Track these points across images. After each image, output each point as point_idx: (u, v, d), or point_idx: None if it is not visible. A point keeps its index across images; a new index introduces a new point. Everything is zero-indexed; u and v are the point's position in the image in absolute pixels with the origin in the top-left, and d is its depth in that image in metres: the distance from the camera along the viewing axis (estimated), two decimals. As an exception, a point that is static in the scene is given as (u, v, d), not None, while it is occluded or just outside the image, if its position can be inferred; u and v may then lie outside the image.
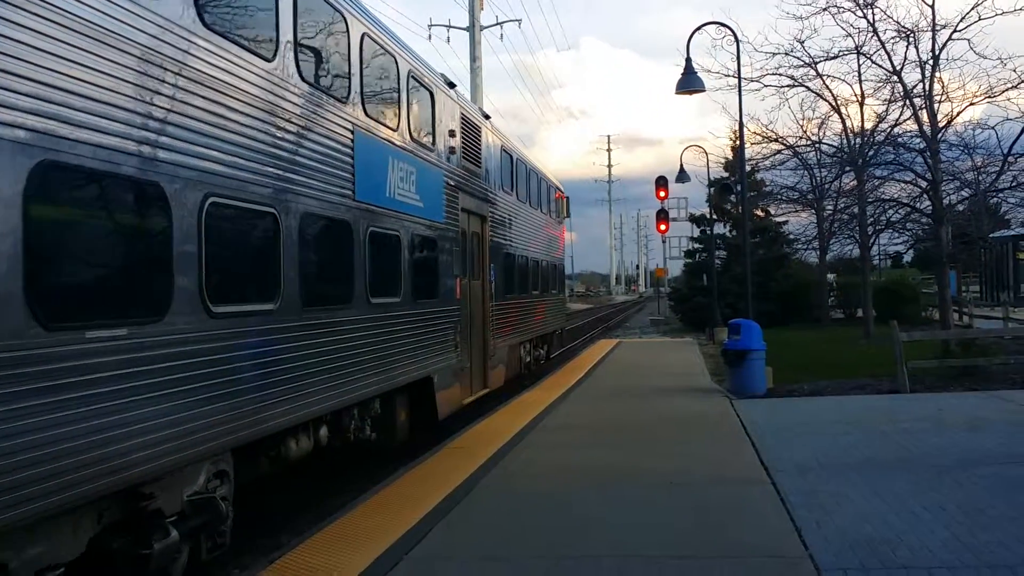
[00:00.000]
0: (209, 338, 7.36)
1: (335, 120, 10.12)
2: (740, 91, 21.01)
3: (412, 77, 12.93)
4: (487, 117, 18.93)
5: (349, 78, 10.62)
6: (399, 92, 12.51)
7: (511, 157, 20.57)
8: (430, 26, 44.88)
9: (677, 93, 20.10)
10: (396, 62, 12.37)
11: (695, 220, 46.99)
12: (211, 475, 7.84)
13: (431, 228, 13.54)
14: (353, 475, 11.74)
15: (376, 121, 11.39)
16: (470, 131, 16.37)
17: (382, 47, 11.84)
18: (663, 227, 41.19)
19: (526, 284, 21.80)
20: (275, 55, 8.71)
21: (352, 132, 10.50)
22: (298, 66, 9.13)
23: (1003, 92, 23.14)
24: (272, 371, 8.44)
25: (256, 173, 8.25)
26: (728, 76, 25.37)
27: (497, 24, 46.22)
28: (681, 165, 38.48)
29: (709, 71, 25.57)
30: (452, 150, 14.80)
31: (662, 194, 38.68)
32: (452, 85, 15.50)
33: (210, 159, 7.47)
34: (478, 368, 16.66)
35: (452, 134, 14.86)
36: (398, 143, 12.25)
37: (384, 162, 11.69)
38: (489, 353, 17.27)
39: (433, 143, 13.92)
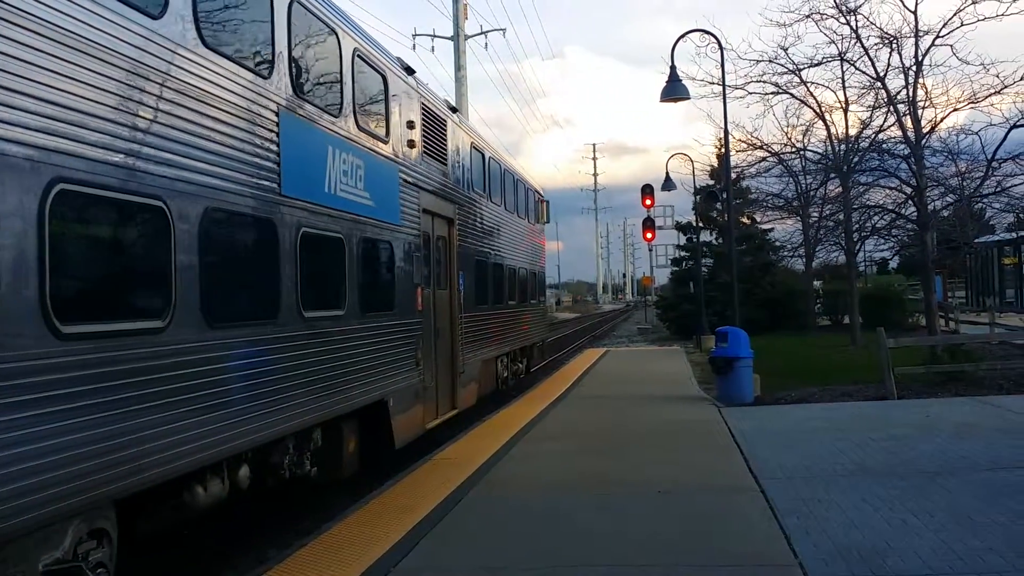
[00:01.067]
0: (58, 366, 5.79)
1: (252, 98, 8.52)
2: (725, 98, 21.04)
3: (359, 57, 11.38)
4: (454, 111, 17.19)
5: (273, 50, 9.01)
6: (342, 73, 10.87)
7: (483, 156, 19.11)
8: (414, 36, 44.89)
9: (662, 101, 20.11)
10: (338, 38, 10.73)
11: (681, 228, 47.11)
12: (82, 536, 6.41)
13: (384, 230, 12.04)
14: (338, 490, 11.68)
15: (312, 104, 9.87)
16: (433, 124, 14.85)
17: (320, 19, 10.28)
18: (649, 235, 41.25)
19: (502, 293, 20.26)
20: (165, 8, 7.18)
21: (277, 114, 8.93)
22: (199, 28, 7.64)
23: (986, 98, 23.29)
24: (162, 403, 6.87)
25: (132, 154, 6.63)
26: (712, 84, 25.46)
27: (482, 33, 46.30)
28: (667, 173, 38.57)
29: (694, 79, 25.60)
30: (411, 143, 13.26)
31: (648, 202, 38.75)
32: (411, 71, 13.88)
33: (57, 132, 5.87)
34: (445, 387, 15.18)
35: (411, 125, 13.34)
36: (341, 132, 10.68)
37: (322, 152, 10.13)
38: (458, 370, 15.75)
39: (387, 134, 12.34)
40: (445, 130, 15.62)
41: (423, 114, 14.14)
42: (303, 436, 9.83)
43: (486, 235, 18.90)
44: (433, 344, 14.27)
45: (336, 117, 10.57)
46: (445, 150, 15.56)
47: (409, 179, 13.17)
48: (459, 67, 42.40)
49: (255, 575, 7.39)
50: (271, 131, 8.85)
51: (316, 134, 10.02)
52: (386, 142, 12.29)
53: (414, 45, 45.15)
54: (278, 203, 8.90)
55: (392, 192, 12.48)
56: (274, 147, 8.90)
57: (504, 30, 79.83)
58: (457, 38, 42.46)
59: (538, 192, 26.98)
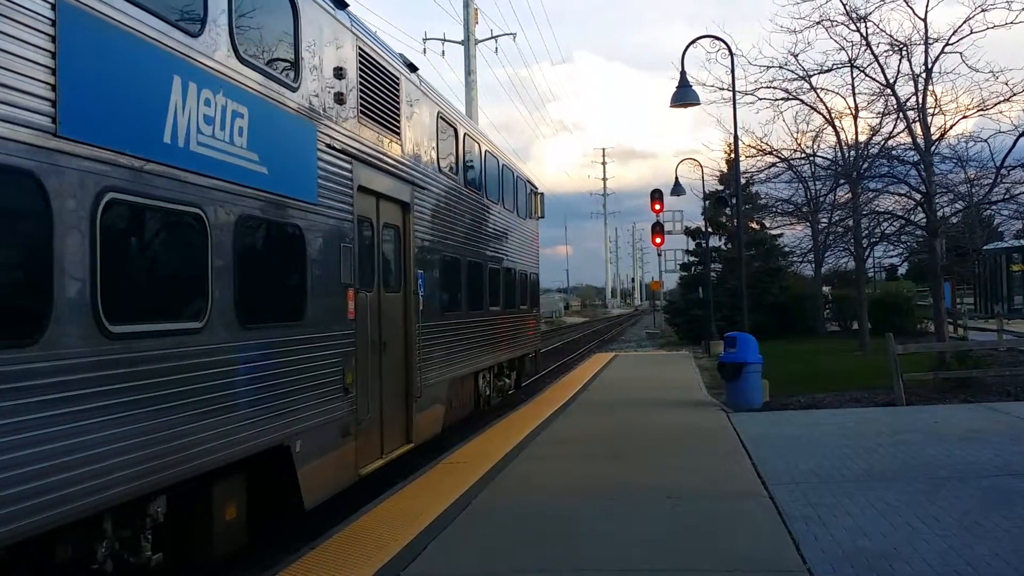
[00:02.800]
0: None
1: None
2: (735, 104, 21.10)
3: None
4: (413, 69, 13.61)
5: None
6: None
7: (455, 131, 15.99)
8: (425, 40, 44.98)
9: (672, 106, 20.15)
10: None
11: (690, 233, 47.13)
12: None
13: (289, 210, 8.86)
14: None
15: (137, 6, 6.75)
16: (378, 79, 11.67)
17: None
18: (659, 240, 41.27)
19: (480, 298, 17.48)
20: None
21: (53, 5, 5.90)
22: None
23: (995, 105, 23.21)
24: None
25: None
26: (722, 89, 25.45)
27: (492, 38, 46.30)
28: (676, 178, 38.58)
29: (703, 84, 25.59)
30: (339, 98, 10.22)
31: (657, 207, 38.77)
32: (343, 5, 10.81)
33: None
34: (395, 416, 12.16)
35: (340, 74, 10.25)
36: (204, 59, 7.56)
37: (163, 83, 7.04)
38: (414, 392, 12.71)
39: (296, 78, 9.20)
40: (397, 91, 12.49)
41: (362, 64, 11.11)
42: (127, 512, 6.79)
43: (459, 228, 15.99)
44: (375, 362, 11.38)
45: (194, 36, 7.47)
46: (397, 116, 12.44)
47: (335, 145, 10.08)
48: (469, 71, 42.50)
49: (269, 573, 7.44)
50: (36, 27, 5.75)
51: (149, 52, 6.89)
52: (294, 89, 9.08)
53: (424, 49, 45.25)
54: (49, 150, 5.77)
55: (305, 159, 9.37)
56: (46, 50, 5.82)
57: (514, 35, 79.43)
58: (467, 42, 42.56)
59: (531, 183, 24.13)
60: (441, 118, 15.07)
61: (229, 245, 7.80)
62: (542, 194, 25.23)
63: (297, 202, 9.10)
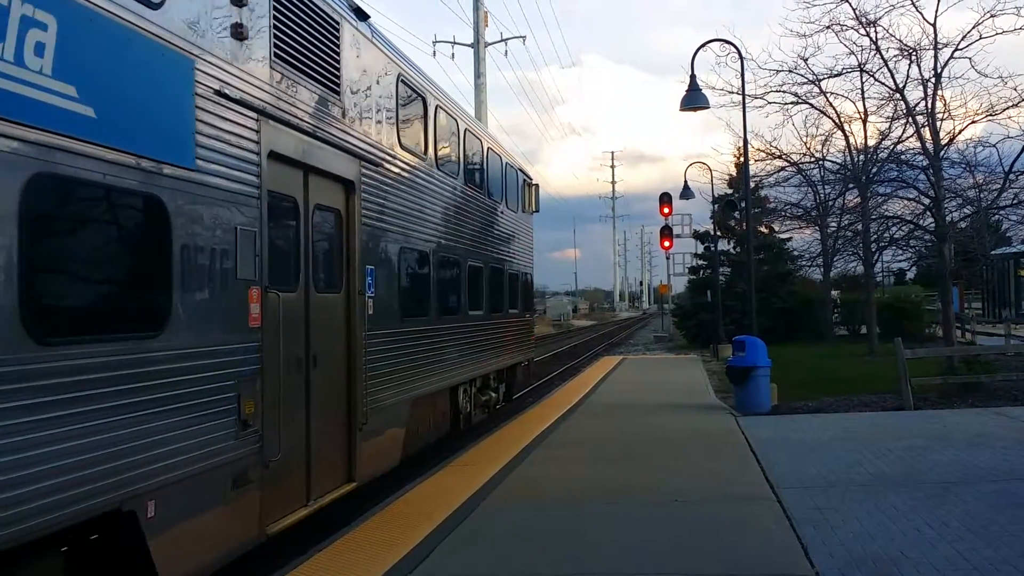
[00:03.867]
0: None
1: None
2: (744, 108, 21.12)
3: None
4: (363, 17, 10.95)
5: None
6: None
7: (424, 102, 13.23)
8: (435, 42, 45.03)
9: (682, 110, 20.17)
10: None
11: (699, 237, 47.15)
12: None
13: (138, 173, 6.28)
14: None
15: None
16: (306, 18, 9.11)
17: None
18: (667, 244, 41.24)
19: (457, 301, 14.98)
20: None
21: None
22: None
23: (1004, 110, 23.26)
24: None
25: None
26: (732, 93, 25.56)
27: (502, 41, 46.34)
28: (685, 182, 38.61)
29: (713, 88, 25.79)
30: (239, 32, 7.70)
31: (666, 211, 38.81)
32: None
33: None
34: (329, 449, 9.65)
35: (239, 0, 7.75)
36: None
37: None
38: (358, 419, 10.18)
39: None
40: (337, 39, 9.89)
41: None
42: None
43: (429, 218, 13.39)
44: (298, 383, 8.96)
45: None
46: (336, 71, 9.86)
47: (230, 93, 7.53)
48: (479, 74, 42.54)
49: (278, 577, 7.48)
50: None
51: None
52: (155, 5, 6.56)
53: (434, 52, 45.29)
54: None
55: (172, 106, 6.81)
56: None
57: (524, 37, 79.02)
58: (477, 45, 42.63)
59: (524, 173, 21.49)
60: (404, 83, 12.25)
61: (28, 226, 5.24)
62: (536, 186, 22.45)
63: (156, 164, 6.46)
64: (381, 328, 10.92)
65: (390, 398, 11.20)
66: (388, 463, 11.39)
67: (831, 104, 28.31)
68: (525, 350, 21.25)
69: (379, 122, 11.27)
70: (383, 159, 11.27)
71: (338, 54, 9.86)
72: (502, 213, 18.81)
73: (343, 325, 10.12)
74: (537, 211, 22.56)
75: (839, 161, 29.95)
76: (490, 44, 44.71)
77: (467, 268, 15.52)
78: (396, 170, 11.81)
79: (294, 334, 8.76)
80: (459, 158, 15.47)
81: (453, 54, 45.22)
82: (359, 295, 10.34)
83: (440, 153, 14.10)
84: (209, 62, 7.21)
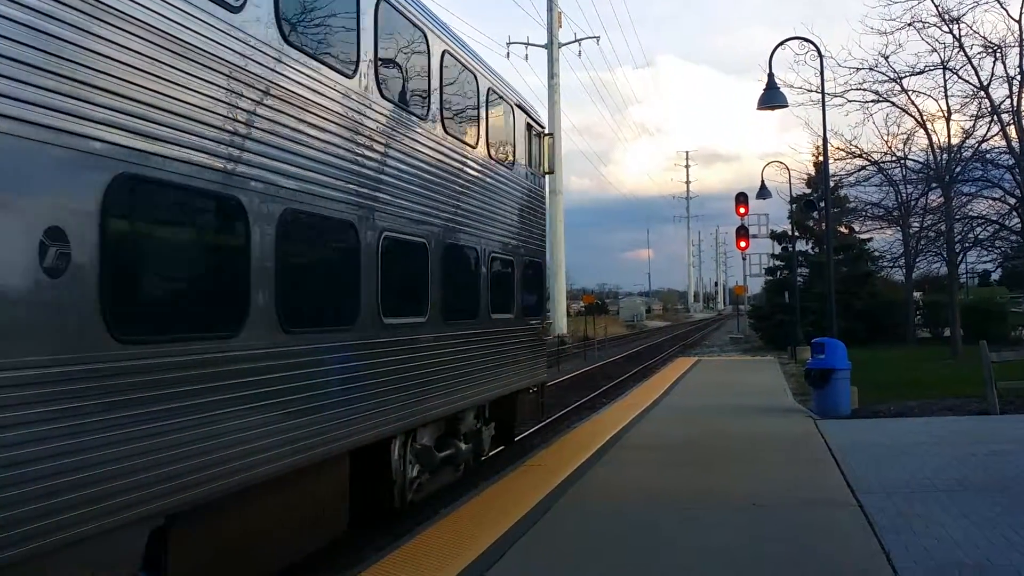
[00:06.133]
0: None
1: None
2: (824, 106, 20.79)
3: None
4: None
5: None
6: None
7: None
8: (508, 44, 45.29)
9: (759, 109, 19.93)
10: None
11: (776, 237, 46.59)
12: None
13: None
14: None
15: None
16: None
17: None
18: (743, 244, 40.77)
19: (355, 300, 8.86)
20: None
21: None
22: None
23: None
24: None
25: None
26: (811, 91, 25.24)
27: (575, 41, 46.40)
28: (762, 181, 38.12)
29: (791, 86, 25.43)
30: None
31: (742, 210, 38.37)
32: None
33: None
34: None
35: None
36: None
37: None
38: None
39: None
40: None
41: None
42: None
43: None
44: None
45: None
46: None
47: None
48: (552, 75, 42.57)
49: (350, 573, 7.50)
50: None
51: None
52: None
53: (508, 53, 45.56)
54: None
55: None
56: None
57: (598, 38, 78.83)
58: (551, 46, 42.67)
59: (529, 116, 15.25)
60: None
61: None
62: (551, 136, 16.85)
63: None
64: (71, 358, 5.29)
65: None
66: None
67: (913, 102, 27.88)
68: (531, 371, 15.07)
69: None
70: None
71: None
72: (496, 174, 13.21)
73: None
74: (552, 172, 17.01)
75: (921, 160, 29.42)
76: (564, 45, 44.74)
77: (380, 244, 9.28)
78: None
79: None
80: (403, 76, 10.37)
81: (527, 55, 45.37)
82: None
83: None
84: None
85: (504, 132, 13.99)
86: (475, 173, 12.33)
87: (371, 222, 9.13)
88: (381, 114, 9.47)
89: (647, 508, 9.47)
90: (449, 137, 11.29)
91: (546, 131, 16.59)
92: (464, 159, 11.93)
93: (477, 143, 12.44)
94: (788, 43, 22.04)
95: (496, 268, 13.21)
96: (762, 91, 19.82)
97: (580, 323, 57.83)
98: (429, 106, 10.78)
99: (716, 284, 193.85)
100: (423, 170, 10.52)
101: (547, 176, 16.63)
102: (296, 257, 7.81)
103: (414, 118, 10.35)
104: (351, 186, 8.73)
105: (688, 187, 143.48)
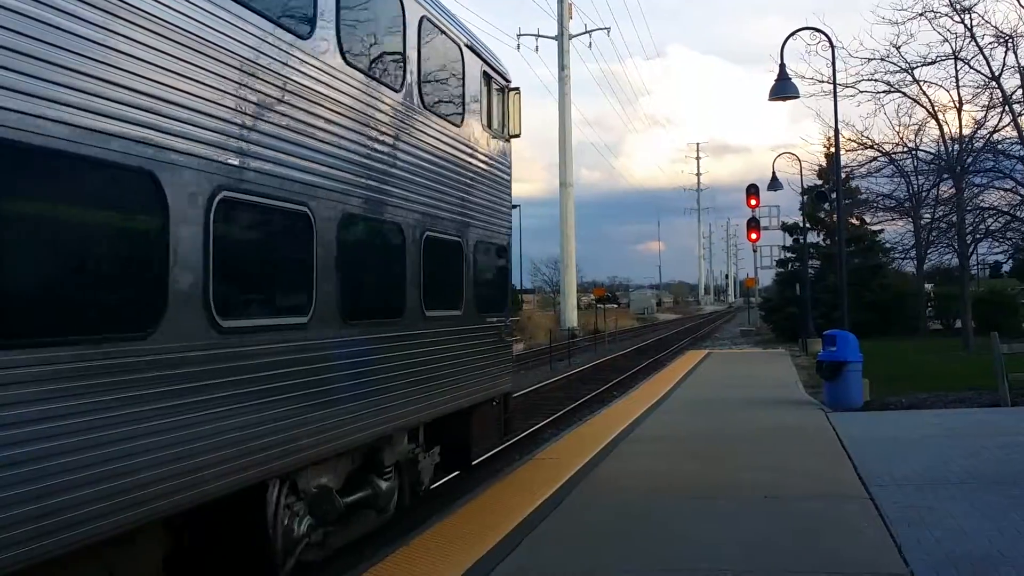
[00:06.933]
0: None
1: None
2: (835, 97, 20.76)
3: None
4: None
5: None
6: None
7: None
8: (519, 35, 45.25)
9: (771, 100, 19.93)
10: None
11: (787, 229, 46.46)
12: None
13: None
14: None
15: None
16: None
17: None
18: (754, 236, 40.72)
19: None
20: None
21: None
22: None
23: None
24: None
25: None
26: (822, 82, 25.17)
27: (586, 32, 46.31)
28: (773, 173, 38.05)
29: (802, 77, 25.37)
30: None
31: (753, 202, 38.32)
32: None
33: None
34: None
35: None
36: None
37: None
38: None
39: None
40: None
41: None
42: None
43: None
44: None
45: None
46: None
47: None
48: (563, 66, 42.53)
49: (371, 563, 7.54)
50: None
51: None
52: None
53: (518, 45, 45.46)
54: None
55: None
56: None
57: (608, 29, 77.57)
58: (561, 37, 42.62)
59: (488, 64, 12.24)
60: None
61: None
62: (516, 91, 13.45)
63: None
64: None
65: None
66: None
67: (924, 93, 27.80)
68: (490, 380, 12.06)
69: None
70: None
71: None
72: (416, 119, 9.84)
73: None
74: (518, 135, 13.50)
75: (933, 151, 29.33)
76: (574, 36, 44.68)
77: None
78: None
79: None
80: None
81: (537, 47, 45.30)
82: None
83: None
84: None
85: (447, 78, 11.04)
86: (397, 123, 9.31)
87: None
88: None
89: (659, 500, 9.50)
90: (352, 70, 8.30)
91: (511, 85, 13.23)
92: (378, 101, 8.87)
93: (401, 86, 9.43)
94: (799, 33, 22.01)
95: (433, 251, 10.03)
96: (774, 82, 19.82)
97: (591, 316, 57.88)
98: (315, 25, 7.74)
99: (727, 277, 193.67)
100: (299, 107, 7.40)
101: (512, 140, 13.28)
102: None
103: (291, 35, 7.36)
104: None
105: (699, 179, 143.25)
